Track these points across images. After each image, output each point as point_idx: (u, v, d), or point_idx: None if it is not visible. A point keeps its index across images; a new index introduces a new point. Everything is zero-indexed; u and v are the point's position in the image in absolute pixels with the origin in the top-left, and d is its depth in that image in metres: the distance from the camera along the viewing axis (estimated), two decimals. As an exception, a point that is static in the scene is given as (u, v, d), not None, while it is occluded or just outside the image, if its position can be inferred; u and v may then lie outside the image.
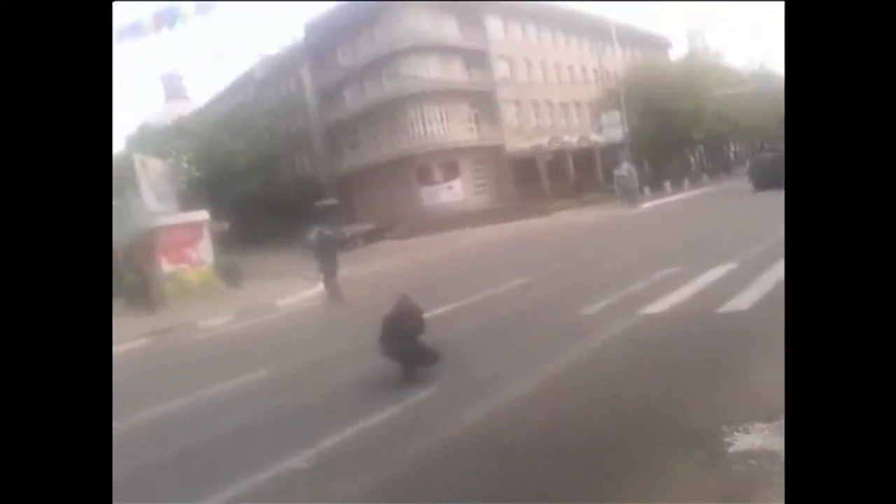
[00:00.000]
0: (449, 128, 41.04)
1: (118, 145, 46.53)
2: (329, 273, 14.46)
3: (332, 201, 44.71)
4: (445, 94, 40.72)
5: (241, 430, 5.90)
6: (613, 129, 35.88)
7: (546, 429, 4.69)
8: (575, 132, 46.10)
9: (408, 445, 4.73)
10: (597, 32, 47.43)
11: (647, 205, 30.17)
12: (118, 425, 6.47)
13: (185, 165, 39.38)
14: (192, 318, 14.35)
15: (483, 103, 42.56)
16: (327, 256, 14.59)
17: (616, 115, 35.42)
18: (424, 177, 40.86)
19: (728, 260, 10.21)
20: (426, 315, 6.82)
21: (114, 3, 2.62)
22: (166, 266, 18.71)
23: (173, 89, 69.61)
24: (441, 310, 9.42)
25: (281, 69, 50.64)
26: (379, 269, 19.86)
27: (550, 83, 46.76)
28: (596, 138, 43.38)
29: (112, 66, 2.43)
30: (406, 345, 6.38)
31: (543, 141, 42.47)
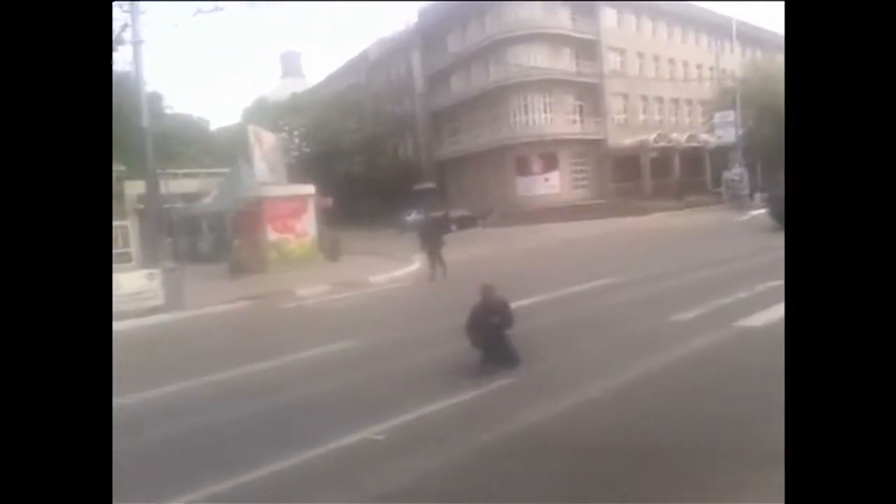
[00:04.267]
0: (551, 119, 40.55)
1: (235, 116, 49.13)
2: (433, 253, 15.42)
3: (429, 185, 45.47)
4: (551, 84, 40.22)
5: (323, 397, 6.26)
6: (726, 130, 34.20)
7: (616, 435, 4.65)
8: (684, 130, 44.24)
9: (477, 432, 4.84)
10: (716, 29, 45.19)
11: (756, 211, 28.57)
12: (211, 378, 7.10)
13: (297, 141, 41.26)
14: (291, 286, 15.14)
15: (589, 95, 41.69)
16: (432, 238, 15.67)
17: (730, 115, 33.73)
18: (522, 167, 40.64)
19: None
20: (511, 305, 6.90)
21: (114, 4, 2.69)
22: (271, 234, 19.72)
23: (291, 66, 72.85)
24: (526, 301, 9.46)
25: (393, 52, 51.75)
26: (470, 256, 20.08)
27: (662, 78, 45.02)
28: (706, 138, 41.49)
29: (112, 65, 2.45)
30: (492, 338, 6.49)
31: (649, 137, 41.07)
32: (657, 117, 45.00)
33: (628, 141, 41.52)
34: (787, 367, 2.02)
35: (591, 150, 41.35)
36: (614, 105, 42.68)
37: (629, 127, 42.59)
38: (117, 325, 11.82)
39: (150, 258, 15.97)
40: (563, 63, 40.96)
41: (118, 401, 6.52)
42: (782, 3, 2.18)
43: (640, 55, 44.27)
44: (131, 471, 4.58)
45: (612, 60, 42.67)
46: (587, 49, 41.61)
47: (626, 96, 43.31)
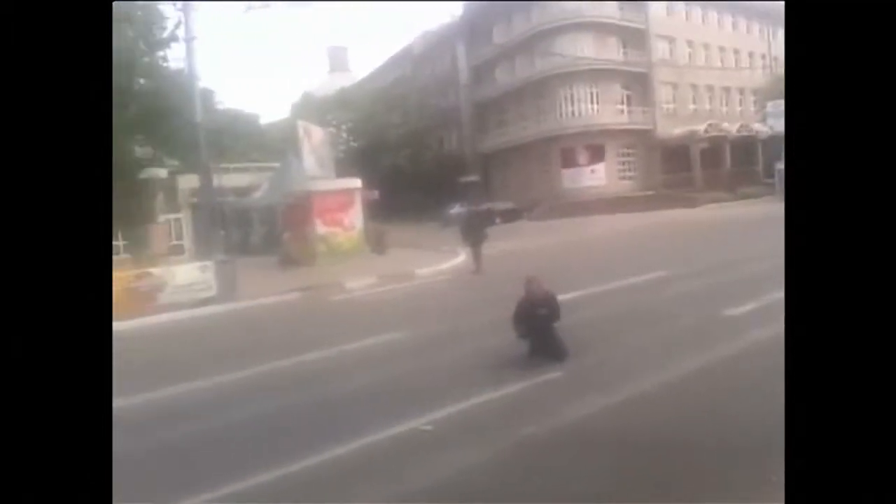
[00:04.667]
0: (598, 109, 39.94)
1: (283, 111, 50.02)
2: (474, 246, 15.49)
3: (473, 178, 45.45)
4: (598, 74, 39.61)
5: (372, 388, 6.38)
6: (779, 120, 33.06)
7: (664, 431, 4.61)
8: (736, 120, 42.93)
9: (523, 425, 4.87)
10: (768, 16, 43.61)
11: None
12: (262, 369, 7.30)
13: (344, 135, 41.79)
14: (339, 278, 15.41)
15: (637, 85, 40.88)
16: (475, 230, 15.71)
17: (783, 105, 32.55)
18: (567, 159, 40.20)
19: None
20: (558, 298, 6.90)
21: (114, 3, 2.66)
22: (319, 228, 20.09)
23: (337, 61, 73.68)
24: (572, 295, 9.41)
25: (438, 45, 51.81)
26: (515, 249, 20.03)
27: (712, 67, 43.79)
28: (759, 128, 40.20)
29: (111, 65, 2.39)
30: (539, 331, 6.50)
31: (699, 127, 40.03)
32: (707, 106, 43.80)
33: (677, 131, 40.57)
34: (787, 367, 2.00)
35: (639, 141, 40.59)
36: (663, 94, 41.75)
37: (678, 117, 41.60)
38: (172, 315, 12.29)
39: (202, 251, 16.50)
40: (611, 52, 40.26)
41: (179, 388, 6.83)
42: None
43: (690, 43, 43.14)
44: (209, 450, 4.89)
45: (660, 49, 41.71)
46: (635, 38, 40.78)
47: (675, 85, 42.30)
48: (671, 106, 42.15)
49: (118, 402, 6.28)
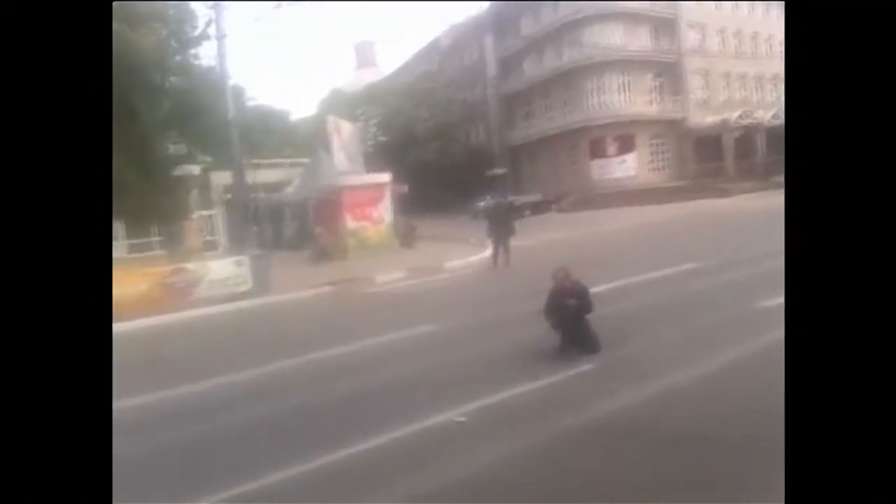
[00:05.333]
0: (628, 99, 39.46)
1: (313, 107, 50.47)
2: (500, 240, 15.42)
3: (501, 171, 45.34)
4: (627, 64, 39.10)
5: (405, 380, 6.49)
6: (817, 106, 32.16)
7: (697, 425, 4.60)
8: (769, 108, 42.00)
9: (556, 418, 4.91)
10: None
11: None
12: (299, 360, 7.46)
13: (372, 130, 42.03)
14: (369, 272, 15.58)
15: (668, 74, 40.27)
16: (500, 224, 15.61)
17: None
18: (597, 149, 39.82)
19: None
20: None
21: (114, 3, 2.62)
22: (350, 222, 20.30)
23: (365, 57, 74.00)
24: (603, 287, 9.39)
25: (465, 38, 51.68)
26: (544, 241, 19.98)
27: (744, 54, 42.87)
28: (794, 115, 39.17)
29: (111, 65, 2.40)
30: (570, 322, 6.52)
31: (732, 116, 39.27)
32: (740, 95, 42.93)
33: (709, 120, 39.86)
34: (787, 367, 2.01)
35: (670, 131, 39.99)
36: (694, 83, 41.03)
37: (710, 105, 40.86)
38: (209, 310, 12.59)
39: (236, 246, 16.81)
40: (640, 42, 39.70)
41: (223, 379, 7.04)
42: None
43: (721, 31, 42.30)
44: (247, 441, 5.07)
45: (691, 37, 40.98)
46: (665, 26, 40.14)
47: (706, 74, 41.53)
48: (703, 95, 41.42)
49: (158, 395, 6.55)
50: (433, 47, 56.07)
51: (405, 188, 25.41)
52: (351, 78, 62.13)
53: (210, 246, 23.61)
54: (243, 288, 13.79)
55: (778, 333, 6.62)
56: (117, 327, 11.29)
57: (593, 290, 7.12)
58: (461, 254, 17.79)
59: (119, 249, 22.12)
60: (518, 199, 35.20)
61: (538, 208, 35.26)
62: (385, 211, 21.13)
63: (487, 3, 48.83)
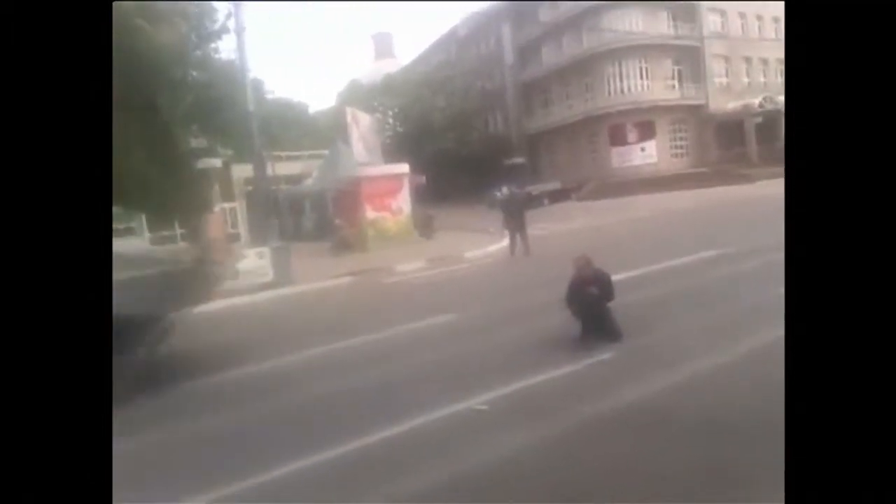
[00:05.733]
0: (648, 85, 38.99)
1: (331, 99, 50.69)
2: (515, 229, 15.35)
3: (519, 160, 45.15)
4: (647, 49, 38.61)
5: (426, 368, 6.56)
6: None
7: (718, 414, 4.58)
8: (794, 92, 41.24)
9: (577, 406, 4.93)
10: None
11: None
12: (320, 351, 7.57)
13: (390, 121, 42.06)
14: (389, 262, 15.68)
15: (688, 59, 39.69)
16: (515, 214, 15.47)
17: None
18: (616, 137, 39.45)
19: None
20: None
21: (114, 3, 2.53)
22: (369, 213, 20.41)
23: (383, 48, 74.02)
24: (624, 275, 9.36)
25: (483, 26, 51.35)
26: (563, 230, 19.92)
27: (767, 38, 42.08)
28: (819, 99, 38.47)
29: (112, 65, 2.39)
30: (591, 310, 6.52)
31: (754, 101, 38.63)
32: (762, 79, 42.20)
33: (731, 105, 39.27)
34: (787, 367, 2.00)
35: (691, 117, 39.48)
36: (715, 68, 40.44)
37: (732, 91, 40.25)
38: (234, 301, 12.77)
39: (257, 238, 16.99)
40: (660, 27, 39.15)
41: (250, 369, 7.17)
42: None
43: (742, 15, 41.56)
44: (275, 429, 5.14)
45: (712, 22, 40.33)
46: (685, 11, 39.52)
47: (727, 58, 40.89)
48: (724, 80, 40.81)
49: (195, 382, 6.70)
50: (450, 36, 55.81)
51: (423, 178, 25.45)
52: (369, 69, 62.18)
53: (232, 238, 23.88)
54: (265, 279, 13.97)
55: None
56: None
57: (614, 277, 7.11)
58: (480, 243, 17.81)
59: (142, 242, 22.48)
60: (537, 188, 35.04)
61: (557, 197, 35.06)
62: (404, 201, 21.20)
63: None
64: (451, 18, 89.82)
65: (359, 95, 45.68)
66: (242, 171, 23.21)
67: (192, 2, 21.05)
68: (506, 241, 16.33)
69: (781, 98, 39.33)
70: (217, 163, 24.24)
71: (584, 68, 40.83)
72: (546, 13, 43.82)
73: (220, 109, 23.56)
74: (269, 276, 14.04)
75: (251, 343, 9.01)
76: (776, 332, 6.27)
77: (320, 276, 14.66)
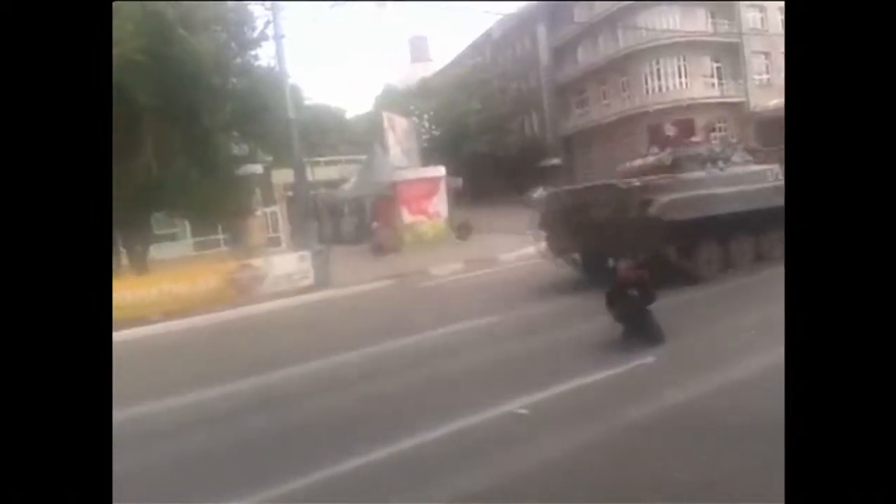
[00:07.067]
0: (687, 83, 38.35)
1: (368, 104, 51.21)
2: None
3: (555, 161, 44.86)
4: (685, 47, 37.98)
5: (468, 371, 6.64)
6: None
7: (762, 419, 4.46)
8: (839, 87, 40.14)
9: (620, 410, 4.91)
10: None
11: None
12: (355, 355, 7.68)
13: (427, 124, 42.23)
14: (427, 265, 15.80)
15: (727, 56, 38.91)
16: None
17: None
18: (655, 136, 38.78)
19: None
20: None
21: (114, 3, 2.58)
22: (406, 217, 20.59)
23: (419, 51, 74.41)
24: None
25: (518, 28, 51.18)
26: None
27: (812, 31, 40.98)
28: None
29: (111, 65, 2.33)
30: (634, 313, 6.49)
31: (798, 97, 37.66)
32: (807, 74, 41.15)
33: (773, 102, 38.32)
34: (787, 367, 2.00)
35: (732, 115, 38.66)
36: (755, 65, 39.52)
37: (773, 87, 39.22)
38: (276, 304, 13.05)
39: (298, 241, 17.28)
40: (698, 23, 38.47)
41: (294, 370, 7.34)
42: None
43: (782, 10, 40.51)
44: (335, 423, 5.31)
45: (751, 18, 39.43)
46: (723, 8, 38.75)
47: (767, 55, 39.90)
48: (765, 77, 39.87)
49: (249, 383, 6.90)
50: (486, 38, 55.80)
51: (460, 182, 25.55)
52: (405, 73, 62.52)
53: (273, 242, 24.34)
54: (306, 282, 14.23)
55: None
56: (191, 322, 11.88)
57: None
58: (516, 245, 17.76)
59: (186, 247, 23.06)
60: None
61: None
62: (440, 205, 21.34)
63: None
64: (486, 21, 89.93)
65: (395, 99, 45.97)
66: (283, 177, 23.62)
67: (231, 2, 21.47)
68: (541, 243, 16.24)
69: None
70: (258, 168, 24.73)
71: (621, 67, 40.37)
72: (581, 13, 43.46)
73: (261, 116, 24.00)
74: (310, 279, 14.29)
75: (296, 345, 9.21)
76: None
77: (360, 279, 14.88)
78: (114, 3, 2.52)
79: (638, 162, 12.53)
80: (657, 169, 10.98)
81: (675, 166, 10.74)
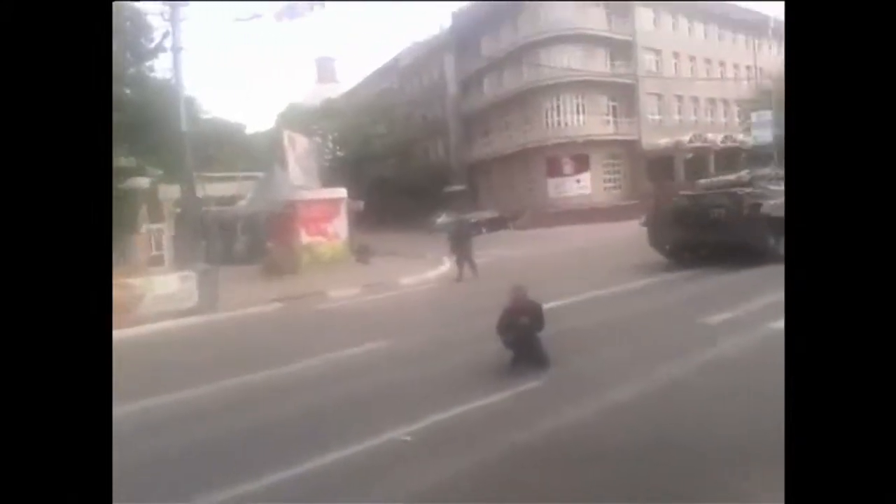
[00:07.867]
0: (584, 120, 40.23)
1: (270, 121, 50.09)
2: (462, 255, 15.63)
3: (459, 187, 45.59)
4: (584, 85, 39.93)
5: (353, 398, 6.30)
6: (763, 130, 33.60)
7: (642, 439, 4.57)
8: (720, 131, 43.42)
9: (505, 434, 4.82)
10: (754, 27, 44.36)
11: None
12: (252, 377, 7.18)
13: (330, 145, 41.74)
14: (323, 287, 15.28)
15: (623, 96, 41.26)
16: (462, 240, 15.89)
17: (767, 115, 33.11)
18: (553, 168, 40.37)
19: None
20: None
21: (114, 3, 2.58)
22: (304, 237, 19.99)
23: (325, 72, 73.82)
24: (555, 304, 9.37)
25: (426, 57, 51.99)
26: (500, 258, 20.00)
27: (698, 78, 44.30)
28: (743, 138, 40.66)
29: (111, 66, 2.34)
30: (522, 339, 6.47)
31: (684, 138, 40.42)
32: (692, 117, 44.29)
33: (663, 141, 40.93)
34: (787, 367, 2.00)
35: (625, 151, 40.91)
36: (649, 105, 42.18)
37: (664, 127, 41.98)
38: (151, 327, 12.10)
39: (184, 260, 16.30)
40: (598, 64, 40.61)
41: (153, 400, 6.70)
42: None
43: (676, 55, 43.67)
44: (202, 457, 4.72)
45: (647, 61, 42.20)
46: (622, 49, 41.20)
47: (660, 96, 42.73)
48: (657, 117, 42.57)
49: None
50: (394, 65, 56.24)
51: (361, 204, 25.22)
52: (311, 92, 61.74)
53: (156, 261, 22.90)
54: (189, 304, 13.33)
55: (722, 348, 6.74)
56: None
57: (546, 306, 7.07)
58: (417, 269, 17.65)
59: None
60: (475, 216, 35.32)
61: (495, 225, 35.45)
62: (340, 226, 20.92)
63: (449, 24, 49.27)
64: (394, 47, 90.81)
65: (298, 118, 45.17)
66: (171, 193, 22.38)
67: (128, 19, 20.41)
68: (442, 268, 16.27)
69: (710, 135, 41.32)
70: (145, 182, 23.32)
71: (524, 101, 41.81)
72: (488, 47, 44.77)
73: (153, 128, 22.77)
74: (194, 300, 13.41)
75: (164, 371, 8.50)
76: (698, 360, 6.40)
77: (249, 301, 14.12)
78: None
79: (720, 178, 16.43)
80: (736, 184, 14.11)
81: (752, 182, 13.96)
